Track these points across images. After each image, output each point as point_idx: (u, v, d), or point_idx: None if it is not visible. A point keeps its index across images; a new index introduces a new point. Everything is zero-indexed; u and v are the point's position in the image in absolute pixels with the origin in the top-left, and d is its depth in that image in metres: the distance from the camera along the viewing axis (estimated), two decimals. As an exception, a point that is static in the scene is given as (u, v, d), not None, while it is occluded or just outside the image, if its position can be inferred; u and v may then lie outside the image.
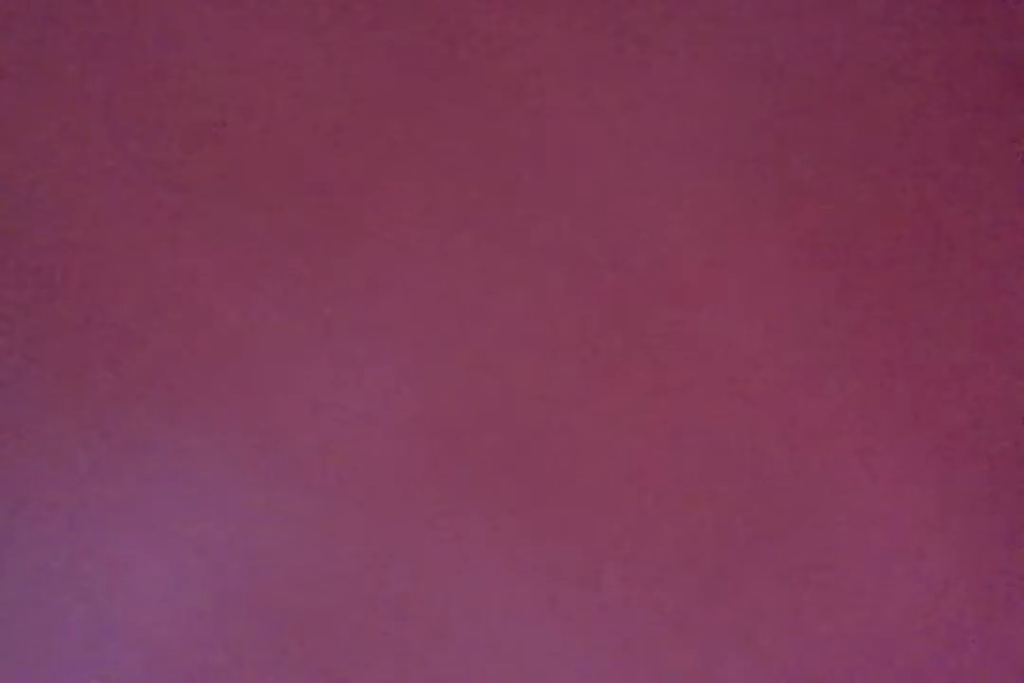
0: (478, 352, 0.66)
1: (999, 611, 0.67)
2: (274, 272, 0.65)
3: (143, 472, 0.63)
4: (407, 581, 0.64)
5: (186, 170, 0.65)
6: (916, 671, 0.66)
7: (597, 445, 0.66)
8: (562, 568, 0.65)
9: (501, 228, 0.67)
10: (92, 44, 0.66)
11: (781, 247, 0.68)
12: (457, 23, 0.68)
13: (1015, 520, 0.68)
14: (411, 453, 0.65)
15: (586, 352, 0.66)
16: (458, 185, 0.67)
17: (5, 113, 0.65)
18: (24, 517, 0.63)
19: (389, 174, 0.66)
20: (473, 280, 0.66)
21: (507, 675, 0.64)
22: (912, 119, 0.70)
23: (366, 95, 0.67)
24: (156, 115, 0.65)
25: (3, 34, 0.65)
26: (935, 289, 0.69)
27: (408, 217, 0.66)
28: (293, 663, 0.63)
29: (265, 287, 0.65)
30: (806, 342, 0.68)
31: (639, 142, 0.68)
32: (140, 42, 0.66)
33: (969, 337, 0.69)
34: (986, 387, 0.69)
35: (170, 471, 0.63)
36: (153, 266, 0.65)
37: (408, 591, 0.64)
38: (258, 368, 0.65)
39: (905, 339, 0.68)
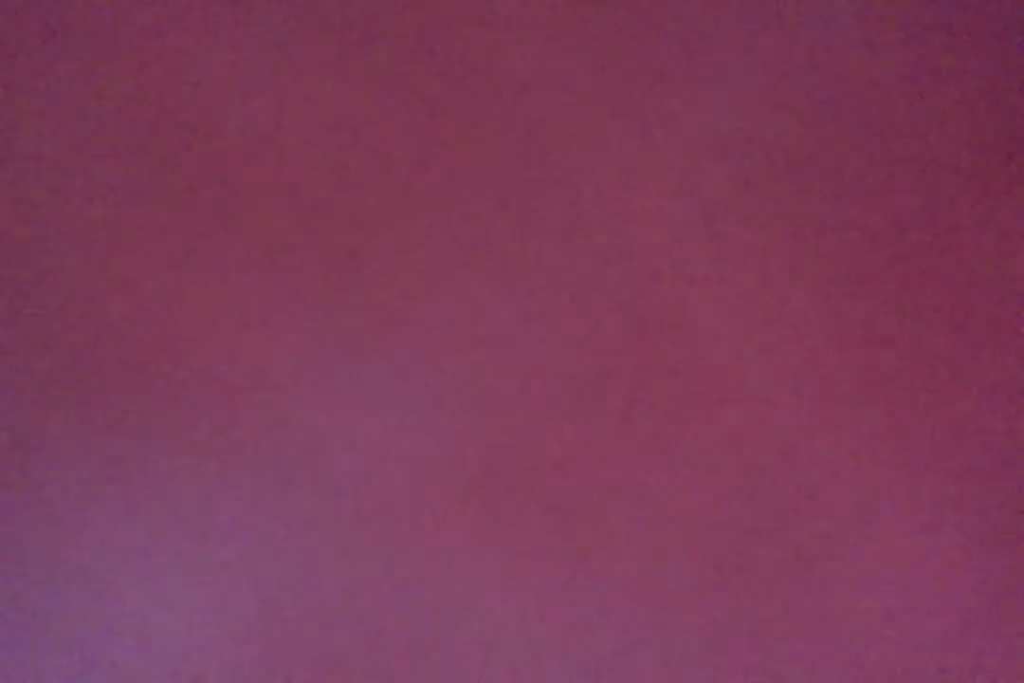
0: (495, 386, 0.66)
1: (1017, 630, 0.67)
2: (293, 308, 0.65)
3: (162, 504, 0.63)
4: (426, 613, 0.64)
5: (203, 204, 0.65)
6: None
7: (616, 478, 0.66)
8: (582, 599, 0.65)
9: (517, 263, 0.67)
10: (111, 78, 0.66)
11: (797, 283, 0.68)
12: (471, 61, 0.68)
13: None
14: (430, 485, 0.65)
15: (604, 386, 0.66)
16: (474, 221, 0.67)
17: (29, 150, 0.65)
18: (42, 550, 0.63)
19: (405, 210, 0.66)
20: (489, 314, 0.66)
21: (525, 709, 0.64)
22: (932, 156, 0.70)
23: (381, 130, 0.67)
24: (173, 151, 0.66)
25: (26, 69, 0.65)
26: (954, 326, 0.69)
27: (425, 253, 0.66)
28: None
29: (283, 322, 0.65)
30: (822, 379, 0.68)
31: (655, 179, 0.68)
32: (158, 78, 0.66)
33: (990, 373, 0.69)
34: (1004, 425, 0.69)
35: (189, 502, 0.63)
36: (174, 303, 0.65)
37: (427, 624, 0.64)
38: (276, 402, 0.65)
39: (925, 374, 0.68)
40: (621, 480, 0.66)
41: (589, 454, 0.66)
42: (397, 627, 0.64)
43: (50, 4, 0.66)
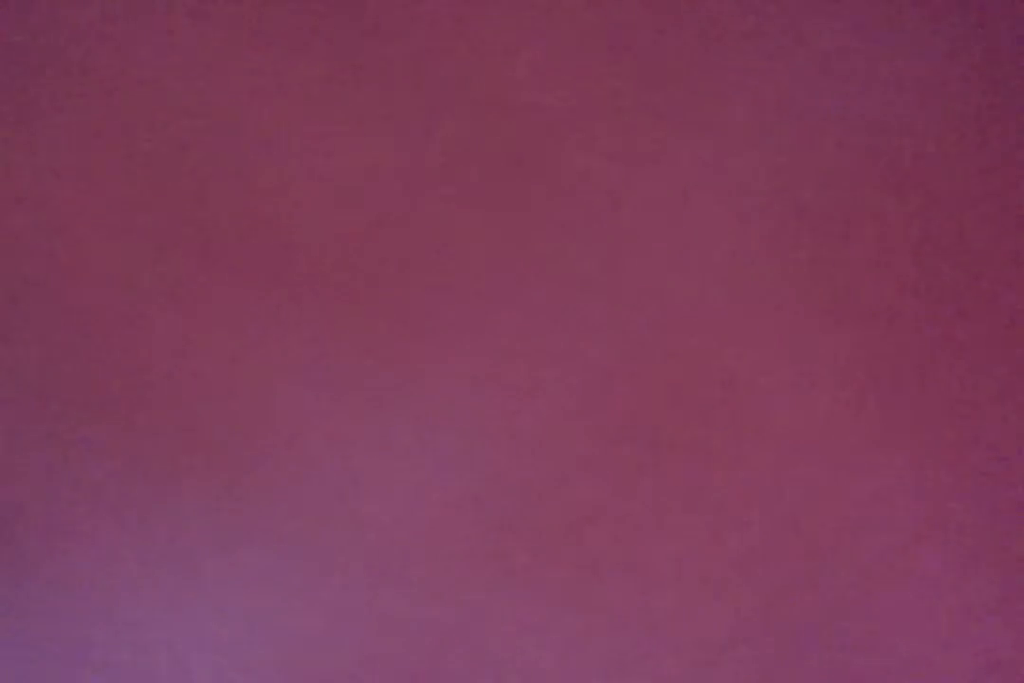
0: (525, 435, 0.66)
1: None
2: (323, 356, 0.65)
3: (186, 558, 0.63)
4: (454, 666, 0.64)
5: (236, 261, 0.66)
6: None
7: (645, 528, 0.66)
8: (612, 651, 0.65)
9: (547, 312, 0.67)
10: (142, 141, 0.66)
11: (829, 330, 0.68)
12: (503, 112, 0.68)
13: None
14: (458, 537, 0.65)
15: (633, 435, 0.66)
16: (503, 270, 0.67)
17: (60, 220, 0.66)
18: (70, 612, 0.63)
19: (432, 259, 0.67)
20: (520, 362, 0.66)
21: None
22: (957, 204, 0.70)
23: (417, 184, 0.67)
24: (208, 206, 0.66)
25: (51, 129, 0.66)
26: (995, 372, 0.69)
27: (454, 302, 0.66)
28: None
29: (313, 371, 0.65)
30: (856, 428, 0.67)
31: (685, 226, 0.68)
32: (194, 136, 0.66)
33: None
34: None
35: (215, 547, 0.63)
36: (208, 360, 0.65)
37: (455, 677, 0.64)
38: (304, 453, 0.65)
39: (963, 422, 0.68)
40: (653, 529, 0.66)
41: (620, 504, 0.66)
42: (425, 675, 0.64)
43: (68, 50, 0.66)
